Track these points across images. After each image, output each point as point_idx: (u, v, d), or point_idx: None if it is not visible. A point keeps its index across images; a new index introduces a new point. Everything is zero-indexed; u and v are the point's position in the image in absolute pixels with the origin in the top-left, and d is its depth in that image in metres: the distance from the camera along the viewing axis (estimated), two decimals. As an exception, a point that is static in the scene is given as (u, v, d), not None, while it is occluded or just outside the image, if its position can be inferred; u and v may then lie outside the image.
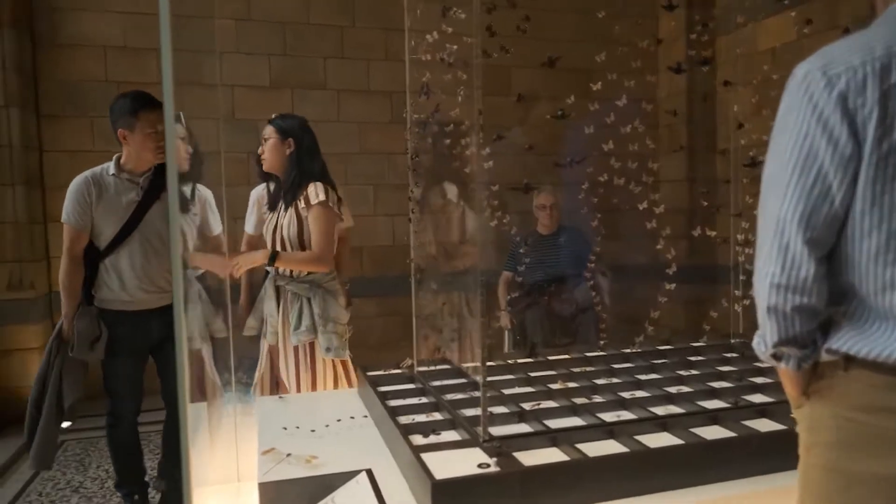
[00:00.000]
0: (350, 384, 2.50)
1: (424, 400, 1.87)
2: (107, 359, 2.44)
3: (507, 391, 1.86)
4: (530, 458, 1.42)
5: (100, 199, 2.48)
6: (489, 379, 1.94)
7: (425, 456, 1.43)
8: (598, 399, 1.79)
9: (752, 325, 2.49)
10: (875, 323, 0.89)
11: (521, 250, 3.12)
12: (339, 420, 1.88)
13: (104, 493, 2.80)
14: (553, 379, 1.97)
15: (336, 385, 2.50)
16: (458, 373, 2.09)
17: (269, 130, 2.60)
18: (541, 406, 1.75)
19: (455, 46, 2.24)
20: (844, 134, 0.85)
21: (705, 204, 2.36)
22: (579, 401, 1.76)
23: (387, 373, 2.14)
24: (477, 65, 1.49)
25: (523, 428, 1.61)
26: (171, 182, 1.01)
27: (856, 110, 0.84)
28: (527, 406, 1.74)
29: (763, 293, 0.93)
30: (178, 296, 1.01)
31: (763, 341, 0.99)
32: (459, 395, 1.88)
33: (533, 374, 2.01)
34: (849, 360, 0.91)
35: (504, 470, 1.33)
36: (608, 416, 1.66)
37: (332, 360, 2.49)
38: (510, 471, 1.33)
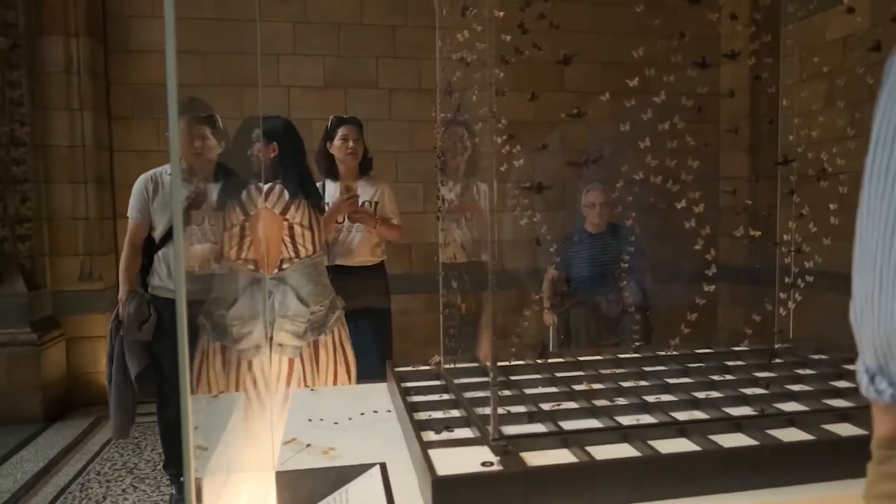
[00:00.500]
0: (300, 384, 2.46)
1: (445, 397, 1.89)
2: (156, 342, 2.60)
3: (529, 391, 1.85)
4: (539, 458, 1.41)
5: (156, 196, 2.66)
6: (512, 378, 1.95)
7: (433, 452, 1.45)
8: (620, 402, 1.76)
9: (801, 331, 2.38)
10: None
11: (566, 244, 3.05)
12: (362, 414, 1.91)
13: (156, 475, 2.96)
14: (579, 380, 1.94)
15: (288, 383, 2.45)
16: (484, 371, 2.09)
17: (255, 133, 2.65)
18: (560, 407, 1.73)
19: (485, 45, 2.24)
20: None
21: (749, 202, 2.27)
22: (600, 403, 1.74)
23: (414, 369, 2.17)
24: (490, 63, 1.48)
25: (538, 428, 1.60)
26: (174, 181, 1.06)
27: None
28: (546, 406, 1.72)
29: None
30: (181, 288, 1.06)
31: (887, 380, 0.80)
32: (481, 394, 1.89)
33: (559, 375, 1.99)
34: None
35: (507, 469, 1.33)
36: (627, 420, 1.62)
37: (291, 359, 2.45)
38: (513, 470, 1.32)
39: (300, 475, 1.56)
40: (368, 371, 2.62)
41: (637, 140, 2.10)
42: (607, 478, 1.32)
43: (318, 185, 2.89)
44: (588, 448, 1.46)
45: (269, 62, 4.48)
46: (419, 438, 1.51)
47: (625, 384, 1.90)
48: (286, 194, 2.38)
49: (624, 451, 1.45)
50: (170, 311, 2.65)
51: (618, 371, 2.03)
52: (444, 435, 1.57)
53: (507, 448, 1.40)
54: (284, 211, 2.37)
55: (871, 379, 0.82)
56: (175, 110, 1.14)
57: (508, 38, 2.28)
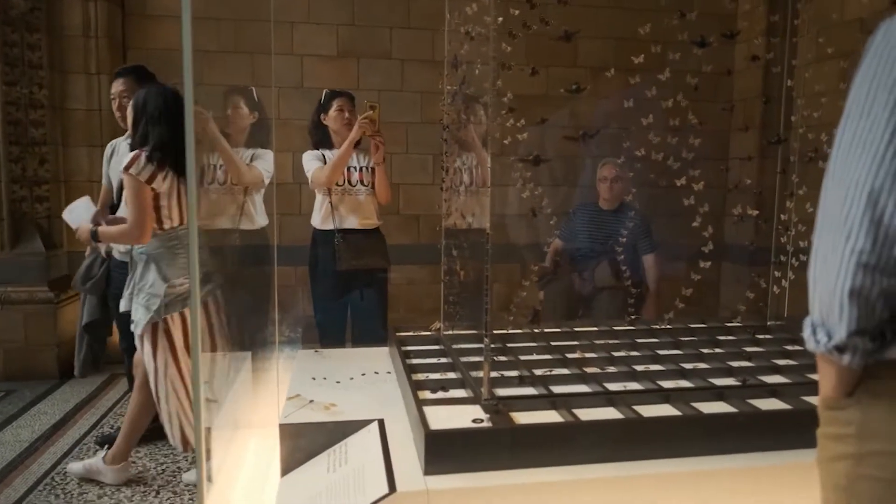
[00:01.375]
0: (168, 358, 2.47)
1: (443, 360, 1.97)
2: (111, 299, 2.87)
3: (523, 357, 1.93)
4: (528, 418, 1.49)
5: (110, 162, 3.10)
6: (508, 345, 2.03)
7: (428, 409, 1.53)
8: (611, 370, 1.83)
9: (796, 309, 2.42)
10: None
11: (573, 217, 3.04)
12: (363, 374, 2.00)
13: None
14: (573, 349, 2.01)
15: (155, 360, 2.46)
16: (480, 338, 2.17)
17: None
18: (552, 373, 1.80)
19: (501, 18, 2.28)
20: None
21: (748, 182, 2.30)
22: (590, 370, 1.81)
23: (415, 334, 2.25)
24: (493, 38, 1.53)
25: (529, 391, 1.67)
26: (189, 155, 1.12)
27: None
28: (538, 372, 1.80)
29: (846, 274, 0.80)
30: (194, 262, 1.13)
31: (825, 331, 0.86)
32: (476, 358, 1.97)
33: (553, 343, 2.07)
34: None
35: (496, 426, 1.41)
36: (615, 387, 1.70)
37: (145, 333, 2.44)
38: (501, 427, 1.40)
39: (302, 428, 1.66)
40: (372, 334, 2.70)
41: (643, 117, 2.14)
42: (589, 437, 1.40)
43: (315, 153, 2.93)
44: (575, 410, 1.54)
45: (283, 30, 4.50)
46: (416, 397, 1.60)
47: (616, 354, 1.97)
48: (152, 164, 2.35)
49: (608, 413, 1.52)
50: (119, 272, 2.78)
51: (611, 342, 2.10)
52: (440, 394, 1.66)
53: (498, 407, 1.48)
54: (150, 180, 2.36)
55: (814, 331, 0.88)
56: (191, 83, 1.20)
57: (517, 12, 2.32)
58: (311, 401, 1.77)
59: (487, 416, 1.46)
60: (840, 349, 0.84)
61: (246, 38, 4.47)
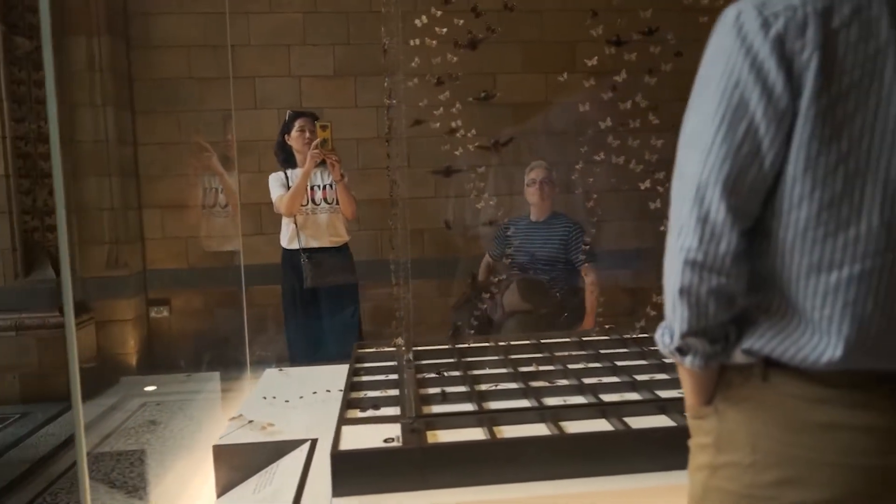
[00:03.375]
0: None
1: (393, 377, 1.94)
2: None
3: (463, 373, 1.88)
4: (453, 436, 1.45)
5: None
6: (462, 360, 1.98)
7: (348, 428, 1.51)
8: (562, 383, 1.77)
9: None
10: (796, 318, 0.75)
11: (509, 234, 2.79)
12: (314, 392, 1.99)
13: (163, 449, 3.14)
14: (525, 363, 1.96)
15: None
16: (441, 353, 2.13)
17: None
18: (497, 387, 1.75)
19: (445, 29, 2.26)
20: (780, 82, 0.70)
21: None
22: (538, 384, 1.75)
23: (377, 350, 2.22)
24: (393, 51, 1.51)
25: (466, 407, 1.63)
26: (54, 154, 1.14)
27: (793, 56, 0.70)
28: (484, 387, 1.75)
29: (676, 272, 0.77)
30: (66, 282, 1.15)
31: (669, 332, 0.83)
32: (429, 375, 1.93)
33: (497, 358, 2.01)
34: (769, 365, 0.77)
35: (406, 446, 1.37)
36: (555, 401, 1.64)
37: None
38: (411, 447, 1.36)
39: (236, 449, 1.65)
40: (346, 350, 2.68)
41: (598, 119, 2.09)
42: (506, 455, 1.35)
43: (279, 177, 2.97)
44: (504, 427, 1.49)
45: (280, 52, 4.58)
46: (341, 415, 1.57)
47: (568, 367, 1.91)
48: None
49: (536, 430, 1.47)
50: None
51: (557, 354, 2.03)
52: (370, 412, 1.63)
53: (414, 426, 1.44)
54: None
55: (663, 333, 0.84)
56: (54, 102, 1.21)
57: (461, 21, 2.30)
58: (251, 421, 1.76)
59: (397, 435, 1.42)
60: (680, 351, 0.81)
61: (243, 61, 4.57)
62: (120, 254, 4.33)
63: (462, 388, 1.74)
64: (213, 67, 4.54)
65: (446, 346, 2.20)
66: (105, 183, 4.26)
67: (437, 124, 2.13)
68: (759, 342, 0.76)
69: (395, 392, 1.79)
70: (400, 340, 2.24)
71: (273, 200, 2.99)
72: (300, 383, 2.13)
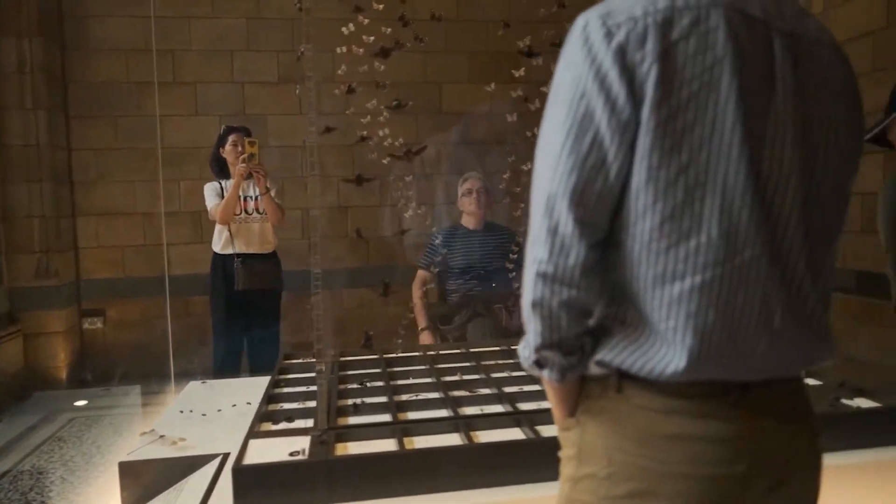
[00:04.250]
0: None
1: (313, 388, 1.90)
2: None
3: (380, 383, 1.86)
4: (362, 448, 1.42)
5: None
6: (359, 371, 1.96)
7: (256, 442, 1.46)
8: (483, 392, 1.76)
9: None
10: (647, 329, 0.74)
11: (437, 243, 2.75)
12: (234, 405, 1.93)
13: (88, 466, 3.02)
14: (448, 372, 1.94)
15: None
16: (369, 363, 2.10)
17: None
18: (417, 398, 1.73)
19: (372, 38, 2.25)
20: (623, 93, 0.70)
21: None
22: (459, 394, 1.74)
23: (303, 361, 2.18)
24: (308, 57, 1.49)
25: (384, 418, 1.60)
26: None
27: (634, 67, 0.70)
28: (405, 397, 1.73)
29: (528, 285, 0.76)
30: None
31: (526, 345, 0.81)
32: (352, 385, 1.90)
33: (420, 368, 1.99)
34: (623, 377, 0.76)
35: (311, 459, 1.34)
36: (470, 410, 1.63)
37: None
38: (316, 460, 1.33)
39: (143, 465, 1.59)
40: (270, 362, 2.63)
41: (528, 130, 2.09)
42: (410, 467, 1.33)
43: (214, 187, 3.10)
44: (417, 438, 1.46)
45: (223, 58, 4.50)
46: (251, 429, 1.53)
47: (491, 376, 1.90)
48: None
49: (449, 440, 1.45)
50: None
51: (487, 363, 2.03)
52: (282, 425, 1.59)
53: (323, 438, 1.41)
54: None
55: (524, 346, 0.83)
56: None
57: (389, 30, 2.29)
58: (162, 436, 1.70)
59: (304, 448, 1.39)
60: (538, 364, 0.80)
61: (184, 67, 4.48)
62: (51, 262, 4.17)
63: (381, 399, 1.72)
64: (152, 72, 4.43)
65: (375, 356, 2.17)
66: (36, 189, 4.11)
67: (366, 132, 2.12)
68: (611, 354, 0.76)
69: (313, 404, 1.75)
70: (331, 351, 2.21)
71: (208, 209, 3.12)
72: (222, 396, 2.07)
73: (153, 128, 4.46)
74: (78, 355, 4.37)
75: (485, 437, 1.46)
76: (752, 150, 0.70)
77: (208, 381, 2.28)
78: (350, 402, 1.68)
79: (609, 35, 0.70)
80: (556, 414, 0.85)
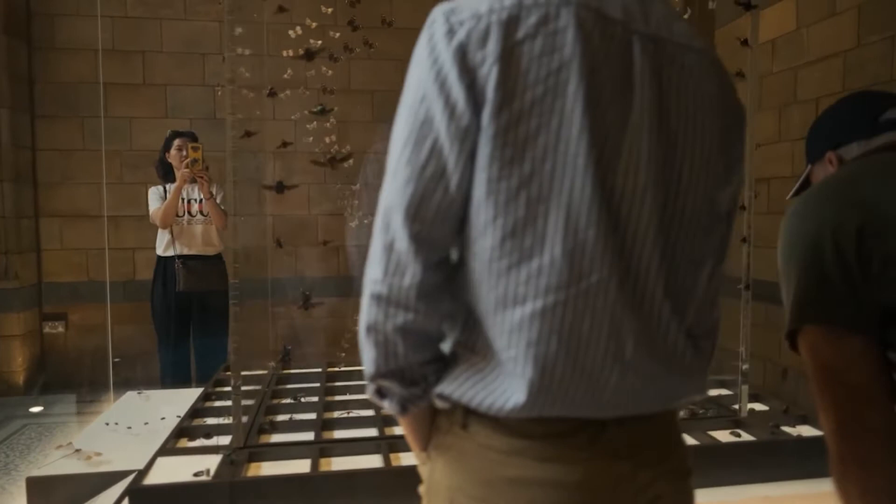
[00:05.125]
0: None
1: (248, 402, 1.83)
2: None
3: (314, 399, 1.80)
4: (277, 468, 1.36)
5: None
6: (290, 386, 1.90)
7: (164, 460, 1.40)
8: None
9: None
10: (492, 359, 0.66)
11: None
12: (163, 418, 1.86)
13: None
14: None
15: None
16: (313, 377, 2.04)
17: None
18: (332, 416, 1.67)
19: (319, 41, 2.21)
20: (462, 97, 0.62)
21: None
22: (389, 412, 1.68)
23: (250, 373, 2.11)
24: (230, 59, 1.44)
25: (307, 437, 1.54)
26: None
27: (475, 68, 0.62)
28: (336, 415, 1.67)
29: (363, 307, 0.68)
30: None
31: (365, 373, 0.73)
32: (287, 400, 1.84)
33: (350, 384, 1.94)
34: (468, 412, 0.68)
35: (215, 479, 1.28)
36: (398, 430, 1.57)
37: None
38: (218, 481, 1.27)
39: (52, 481, 1.52)
40: (214, 369, 2.56)
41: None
42: (321, 490, 1.27)
43: (158, 191, 3.06)
44: (335, 458, 1.40)
45: (195, 60, 4.44)
46: (163, 445, 1.46)
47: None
48: None
49: (369, 461, 1.39)
50: None
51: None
52: (198, 442, 1.52)
53: (233, 458, 1.35)
54: None
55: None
56: None
57: (337, 34, 2.25)
58: (78, 450, 1.63)
59: (207, 468, 1.32)
60: (379, 393, 0.70)
61: (154, 69, 4.42)
62: (10, 264, 4.08)
63: (310, 416, 1.66)
64: (121, 73, 4.37)
65: (318, 370, 2.11)
66: (-2, 189, 4.03)
67: (311, 139, 2.07)
68: (452, 386, 0.67)
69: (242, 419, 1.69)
70: (272, 363, 2.15)
71: (150, 212, 3.09)
72: (155, 408, 2.00)
73: (120, 130, 4.41)
74: (37, 360, 4.28)
75: (406, 459, 1.40)
76: (602, 161, 0.63)
77: (146, 391, 2.21)
78: (271, 419, 1.62)
79: (451, 33, 0.64)
80: (411, 447, 0.77)
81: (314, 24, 2.16)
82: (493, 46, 0.62)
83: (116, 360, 4.16)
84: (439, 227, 0.65)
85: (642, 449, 0.68)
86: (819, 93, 3.67)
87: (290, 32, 2.14)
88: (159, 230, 3.06)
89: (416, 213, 0.64)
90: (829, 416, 0.82)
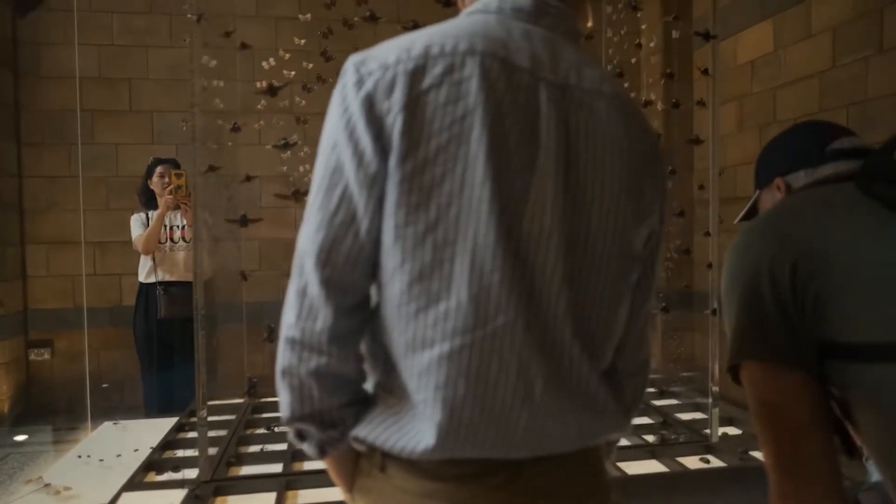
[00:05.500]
0: None
1: (221, 433, 1.83)
2: None
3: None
4: (240, 502, 1.36)
5: None
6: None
7: (130, 496, 1.40)
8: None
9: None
10: (406, 402, 0.67)
11: None
12: (136, 450, 1.86)
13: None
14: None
15: None
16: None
17: None
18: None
19: (293, 72, 2.24)
20: (369, 145, 0.65)
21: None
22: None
23: (224, 402, 2.12)
24: (197, 89, 1.46)
25: (276, 469, 1.54)
26: None
27: (382, 117, 0.65)
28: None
29: (278, 351, 0.70)
30: None
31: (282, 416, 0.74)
32: (260, 430, 1.84)
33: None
34: (386, 455, 0.69)
35: (177, 516, 1.28)
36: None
37: None
38: (181, 517, 1.27)
39: (20, 517, 1.51)
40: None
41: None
42: (284, 525, 1.27)
43: (140, 218, 3.11)
44: (302, 491, 1.40)
45: (181, 87, 4.47)
46: (129, 479, 1.46)
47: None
48: None
49: (334, 494, 1.39)
50: None
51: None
52: (166, 475, 1.52)
53: (197, 492, 1.35)
54: None
55: None
56: None
57: (311, 65, 2.28)
58: (48, 484, 1.62)
59: (170, 503, 1.32)
60: (299, 436, 0.72)
61: (141, 96, 4.45)
62: (-5, 292, 4.08)
63: (281, 446, 1.66)
64: (108, 100, 4.41)
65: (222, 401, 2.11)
66: (-17, 217, 4.03)
67: (285, 167, 2.09)
68: (367, 429, 0.69)
69: (212, 451, 1.69)
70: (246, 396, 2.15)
71: (133, 239, 3.12)
72: (131, 439, 2.00)
73: (107, 156, 4.43)
74: (23, 388, 4.26)
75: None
76: (507, 206, 0.64)
77: (123, 421, 2.20)
78: (241, 450, 1.62)
79: (359, 83, 0.66)
80: (341, 489, 0.78)
81: (287, 56, 2.19)
82: (398, 96, 0.64)
83: (104, 385, 4.16)
84: (350, 272, 0.67)
85: (563, 488, 0.69)
86: (797, 113, 3.72)
87: (264, 63, 2.18)
88: (142, 256, 3.07)
89: (326, 259, 0.66)
90: (769, 451, 0.83)
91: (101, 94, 4.43)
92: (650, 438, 1.73)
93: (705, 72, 1.68)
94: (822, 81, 3.56)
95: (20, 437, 3.79)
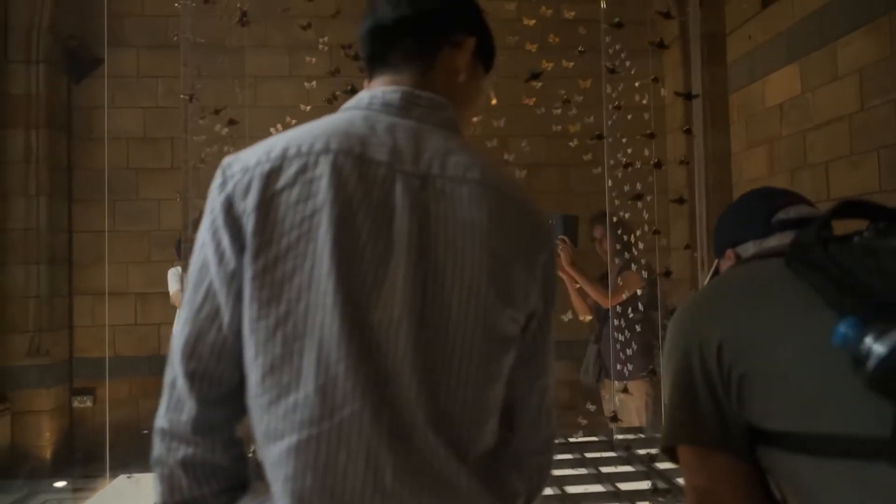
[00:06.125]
0: None
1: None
2: None
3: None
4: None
5: None
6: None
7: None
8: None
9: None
10: (269, 489, 0.69)
11: None
12: (142, 507, 1.91)
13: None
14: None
15: None
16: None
17: None
18: None
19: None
20: (228, 244, 0.69)
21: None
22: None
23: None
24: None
25: None
26: None
27: (239, 217, 0.69)
28: None
29: (153, 442, 0.73)
30: None
31: None
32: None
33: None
34: None
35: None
36: None
37: None
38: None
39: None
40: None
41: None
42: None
43: (177, 273, 3.09)
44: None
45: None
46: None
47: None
48: None
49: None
50: None
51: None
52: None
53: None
54: None
55: None
56: None
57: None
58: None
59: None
60: None
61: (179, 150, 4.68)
62: (43, 342, 4.29)
63: None
64: (151, 158, 4.66)
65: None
66: (33, 270, 4.27)
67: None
68: None
69: None
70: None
71: (171, 294, 3.11)
72: (144, 494, 2.06)
73: (150, 211, 4.66)
74: (66, 434, 4.42)
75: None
76: (354, 297, 0.67)
77: (136, 475, 2.27)
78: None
79: (223, 185, 0.71)
80: None
81: (279, 127, 2.30)
82: (252, 197, 0.69)
83: (144, 431, 4.29)
84: (216, 364, 0.71)
85: None
86: (828, 156, 3.63)
87: (272, 129, 2.28)
88: (177, 310, 3.17)
89: (192, 352, 0.70)
90: None
91: (146, 152, 4.69)
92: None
93: (687, 131, 1.67)
94: (851, 124, 3.48)
95: (59, 484, 3.92)
